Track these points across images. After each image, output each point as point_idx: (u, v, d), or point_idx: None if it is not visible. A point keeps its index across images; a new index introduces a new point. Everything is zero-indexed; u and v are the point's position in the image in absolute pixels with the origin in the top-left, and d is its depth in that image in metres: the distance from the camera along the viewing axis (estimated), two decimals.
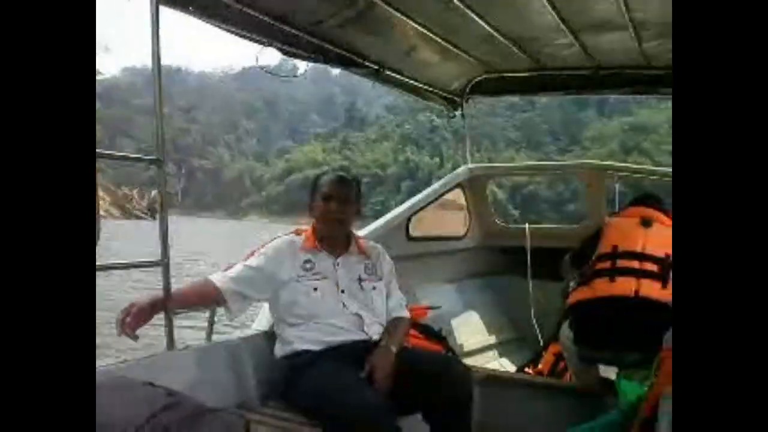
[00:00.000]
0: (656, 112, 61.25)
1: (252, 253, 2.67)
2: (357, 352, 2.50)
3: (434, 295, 4.19)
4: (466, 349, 4.23)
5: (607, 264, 3.09)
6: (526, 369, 4.07)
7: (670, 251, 3.03)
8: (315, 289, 2.61)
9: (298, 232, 2.77)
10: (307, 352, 2.52)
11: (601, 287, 3.04)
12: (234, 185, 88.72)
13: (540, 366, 3.99)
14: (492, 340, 4.65)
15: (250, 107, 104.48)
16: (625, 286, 2.98)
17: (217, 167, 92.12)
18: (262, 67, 2.94)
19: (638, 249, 3.06)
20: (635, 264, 3.02)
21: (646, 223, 3.18)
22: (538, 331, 4.45)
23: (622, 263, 3.05)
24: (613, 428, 1.58)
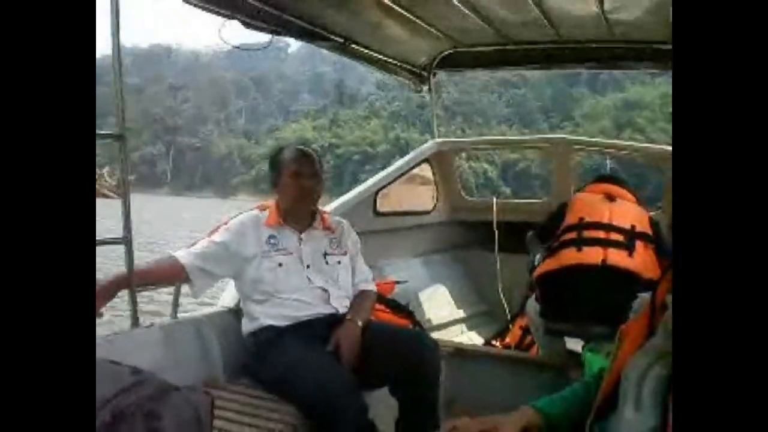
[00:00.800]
0: (649, 88, 61.21)
1: (216, 229, 2.64)
2: (323, 327, 2.50)
3: (402, 270, 4.20)
4: (434, 323, 4.25)
5: (573, 234, 3.13)
6: (494, 342, 4.12)
7: (635, 222, 3.10)
8: (280, 264, 2.60)
9: (262, 208, 2.75)
10: (273, 327, 2.52)
11: (568, 256, 3.07)
12: (223, 164, 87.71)
13: (507, 339, 4.05)
14: (460, 313, 4.69)
15: (239, 86, 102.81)
16: (592, 254, 3.01)
17: (206, 146, 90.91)
18: (225, 41, 2.90)
19: (604, 220, 3.11)
20: (601, 234, 3.07)
21: (611, 198, 3.24)
22: (505, 304, 4.49)
23: (588, 233, 3.10)
24: (575, 400, 1.59)
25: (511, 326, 4.08)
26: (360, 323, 2.52)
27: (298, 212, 2.70)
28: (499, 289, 4.54)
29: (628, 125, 60.89)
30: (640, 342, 1.36)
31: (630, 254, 2.97)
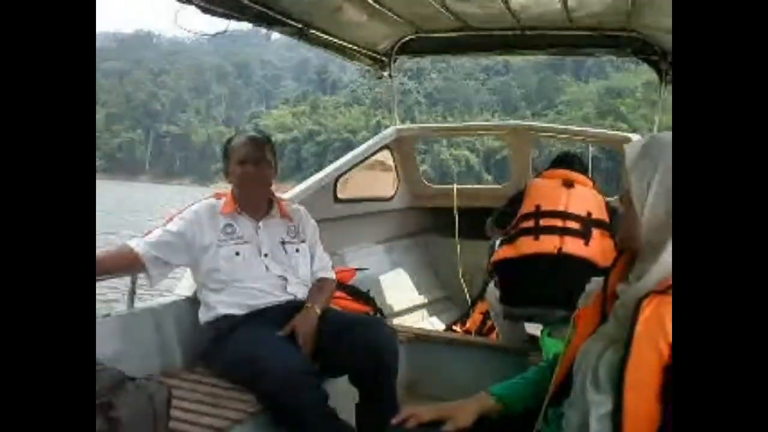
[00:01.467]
0: (632, 76, 61.25)
1: (171, 218, 2.60)
2: (281, 314, 2.49)
3: (363, 257, 4.20)
4: (395, 309, 4.26)
5: (531, 223, 3.14)
6: (454, 328, 4.15)
7: (591, 209, 3.12)
8: (237, 253, 2.57)
9: (218, 196, 2.71)
10: (230, 316, 2.50)
11: (526, 245, 3.09)
12: (203, 151, 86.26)
13: (468, 325, 4.07)
14: (421, 299, 4.71)
15: (221, 72, 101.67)
16: (548, 243, 3.04)
17: (186, 133, 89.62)
18: (181, 27, 2.85)
19: (561, 208, 3.13)
20: (558, 222, 3.09)
21: (568, 184, 3.24)
22: (465, 290, 4.53)
23: (545, 222, 3.11)
24: (530, 385, 1.61)
25: (471, 312, 4.11)
26: (318, 310, 2.51)
27: (253, 200, 2.67)
28: (460, 275, 4.57)
29: (611, 112, 61.60)
30: (592, 328, 1.38)
31: (586, 243, 3.01)
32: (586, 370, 1.30)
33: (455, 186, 4.85)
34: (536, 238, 3.08)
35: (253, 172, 2.60)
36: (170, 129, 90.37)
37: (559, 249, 3.01)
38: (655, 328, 1.15)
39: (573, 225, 3.07)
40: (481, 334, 3.89)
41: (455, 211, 4.68)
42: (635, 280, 1.30)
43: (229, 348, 2.42)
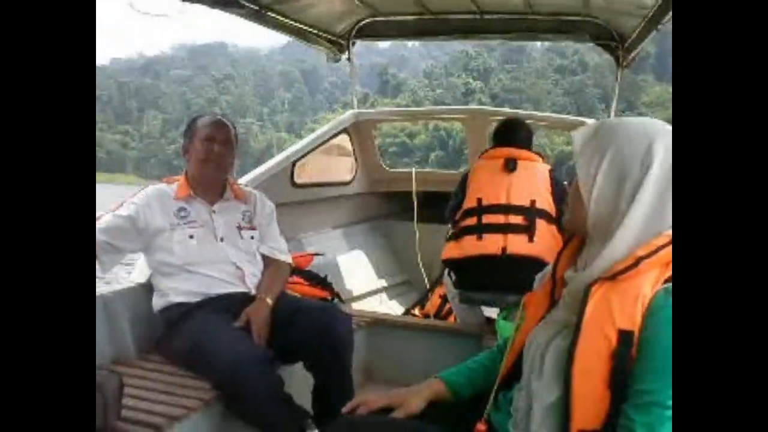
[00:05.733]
0: None
1: (120, 204, 2.54)
2: (235, 303, 2.46)
3: (321, 241, 4.18)
4: (354, 293, 4.26)
5: (473, 220, 3.11)
6: (413, 311, 4.16)
7: (535, 196, 3.09)
8: (191, 236, 2.52)
9: (169, 181, 2.66)
10: (184, 304, 2.46)
11: (470, 245, 3.07)
12: (260, 157, 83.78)
13: (426, 308, 4.08)
14: (380, 284, 4.71)
15: (287, 78, 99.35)
16: (492, 243, 3.02)
17: (245, 139, 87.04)
18: (135, 9, 2.78)
19: (503, 200, 3.09)
20: (501, 219, 3.05)
21: (511, 166, 3.17)
22: (424, 273, 4.54)
23: (487, 218, 3.08)
24: (481, 370, 1.62)
25: (430, 295, 4.12)
26: (270, 301, 2.48)
27: (208, 182, 2.62)
28: (418, 259, 4.58)
29: None
30: (541, 313, 1.39)
31: (530, 239, 2.98)
32: (534, 357, 1.31)
33: (414, 170, 4.86)
34: (479, 238, 3.04)
35: (217, 151, 2.56)
36: None
37: (503, 249, 2.99)
38: (603, 315, 1.16)
39: (516, 220, 3.03)
40: (439, 317, 3.91)
41: (414, 196, 4.68)
42: (583, 267, 1.31)
43: (182, 335, 2.38)
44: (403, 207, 4.87)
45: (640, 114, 64.13)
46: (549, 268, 1.44)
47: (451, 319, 3.76)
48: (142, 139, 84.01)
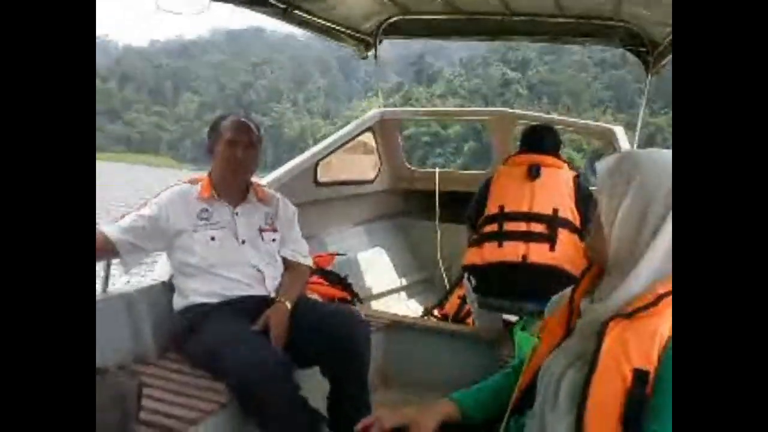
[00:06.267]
0: None
1: (145, 204, 2.57)
2: (255, 306, 2.47)
3: (343, 239, 4.20)
4: (373, 291, 4.28)
5: (494, 227, 3.09)
6: (433, 311, 4.17)
7: (557, 205, 3.06)
8: (213, 238, 2.54)
9: (193, 181, 2.67)
10: (204, 305, 2.47)
11: (490, 252, 3.05)
12: (294, 143, 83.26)
13: (446, 308, 4.09)
14: (399, 282, 4.72)
15: (323, 65, 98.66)
16: (512, 250, 3.00)
17: (279, 125, 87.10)
18: (160, 7, 2.79)
19: (524, 208, 3.06)
20: (522, 226, 3.03)
21: (534, 172, 3.14)
22: (444, 273, 4.55)
23: (509, 226, 3.06)
24: (494, 393, 1.61)
25: (449, 296, 4.12)
26: (289, 305, 2.49)
27: (232, 184, 2.63)
28: (439, 259, 4.58)
29: None
30: (557, 340, 1.38)
31: (552, 247, 2.96)
32: (548, 386, 1.30)
33: (437, 170, 4.85)
34: (500, 245, 3.03)
35: (240, 156, 2.56)
36: (264, 120, 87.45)
37: (524, 257, 2.96)
38: (619, 353, 1.15)
39: (538, 228, 3.01)
40: (458, 319, 3.91)
41: (437, 195, 4.68)
42: (601, 300, 1.30)
43: (201, 338, 2.40)
44: (425, 206, 4.87)
45: None
46: (567, 293, 1.43)
47: (470, 320, 3.76)
48: (178, 121, 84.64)
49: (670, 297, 1.16)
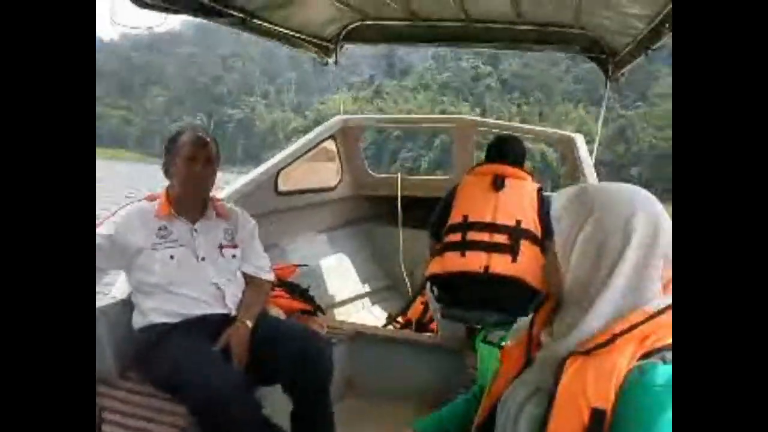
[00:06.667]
0: None
1: (101, 222, 2.53)
2: (215, 325, 2.44)
3: (305, 247, 4.19)
4: (337, 299, 4.27)
5: (458, 236, 3.11)
6: (397, 318, 4.17)
7: (520, 216, 3.09)
8: (171, 257, 2.50)
9: (150, 198, 2.62)
10: (163, 324, 2.44)
11: (453, 262, 3.07)
12: (265, 137, 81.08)
13: (409, 314, 4.10)
14: (363, 289, 4.73)
15: (294, 58, 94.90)
16: (474, 261, 3.02)
17: (250, 118, 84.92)
18: (117, 23, 2.75)
19: (488, 219, 3.09)
20: (485, 237, 3.05)
21: (499, 183, 3.18)
22: (407, 279, 4.56)
23: (472, 236, 3.08)
24: (455, 420, 1.62)
25: (413, 302, 4.13)
26: (250, 324, 2.47)
27: (190, 201, 2.59)
28: (402, 264, 4.59)
29: None
30: (517, 370, 1.39)
31: (514, 259, 2.99)
32: (506, 420, 1.31)
33: (399, 175, 4.86)
34: (462, 255, 3.05)
35: (199, 172, 2.52)
36: (234, 113, 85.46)
37: (486, 268, 2.98)
38: (577, 390, 1.16)
39: (500, 239, 3.03)
40: (422, 324, 3.93)
41: (398, 201, 4.69)
42: (559, 334, 1.30)
43: (161, 358, 2.36)
44: (387, 212, 4.88)
45: (652, 104, 62.74)
46: (526, 322, 1.44)
47: (434, 325, 3.78)
48: (145, 115, 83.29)
49: (627, 335, 1.17)
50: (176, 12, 2.85)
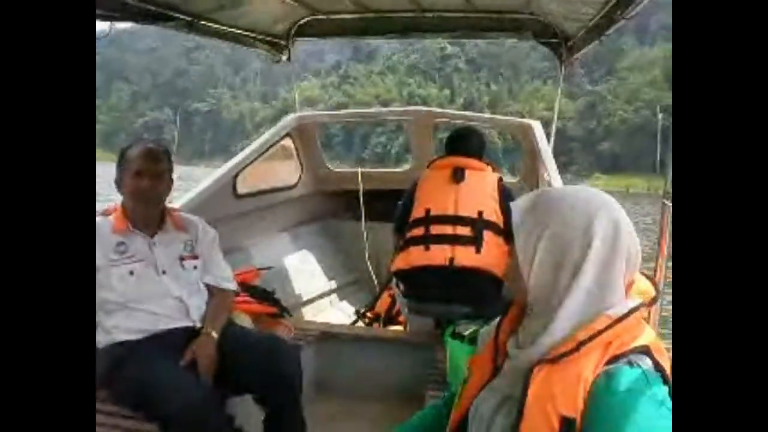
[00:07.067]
0: None
1: None
2: (180, 339, 2.41)
3: (269, 247, 4.15)
4: (304, 297, 4.25)
5: (421, 230, 3.11)
6: (365, 314, 4.16)
7: (482, 207, 3.10)
8: (131, 272, 2.44)
9: (106, 213, 2.56)
10: (127, 342, 2.39)
11: (417, 256, 3.07)
12: (234, 129, 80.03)
13: (377, 308, 4.10)
14: (329, 285, 4.71)
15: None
16: (439, 254, 3.02)
17: (217, 110, 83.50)
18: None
19: (450, 211, 3.09)
20: (448, 230, 3.06)
21: (458, 176, 3.18)
22: (372, 272, 4.55)
23: (435, 229, 3.08)
24: (425, 429, 1.62)
25: (380, 296, 4.13)
26: (215, 335, 2.44)
27: (145, 215, 2.53)
28: (367, 258, 4.58)
29: None
30: (485, 378, 1.38)
31: (477, 250, 2.99)
32: (478, 429, 1.31)
33: (360, 170, 4.84)
34: (426, 248, 3.05)
35: (147, 187, 2.45)
36: (200, 106, 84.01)
37: (451, 260, 2.99)
38: (545, 399, 1.16)
39: (463, 231, 3.04)
40: (390, 317, 3.93)
41: (360, 195, 4.67)
42: (525, 343, 1.30)
43: (127, 377, 2.32)
44: (349, 206, 4.87)
45: (621, 79, 62.82)
46: (492, 328, 1.44)
47: (402, 318, 3.78)
48: (109, 112, 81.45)
49: (592, 342, 1.17)
50: (122, 20, 2.78)
